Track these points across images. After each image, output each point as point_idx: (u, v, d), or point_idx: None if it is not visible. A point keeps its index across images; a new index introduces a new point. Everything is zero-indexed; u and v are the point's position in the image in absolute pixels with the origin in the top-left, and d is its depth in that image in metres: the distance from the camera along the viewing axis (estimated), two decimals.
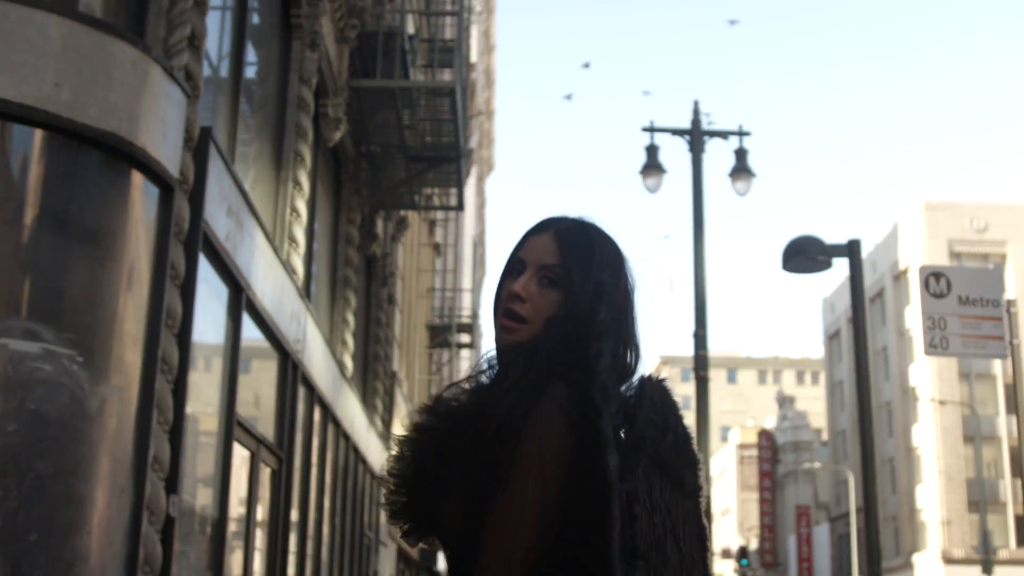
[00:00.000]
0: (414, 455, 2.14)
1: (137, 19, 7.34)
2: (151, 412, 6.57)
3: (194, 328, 7.38)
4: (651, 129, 19.32)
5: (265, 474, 10.50)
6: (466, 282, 38.52)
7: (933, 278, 8.68)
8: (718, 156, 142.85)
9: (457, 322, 28.32)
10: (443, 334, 28.29)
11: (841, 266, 11.95)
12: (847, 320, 62.41)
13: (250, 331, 9.65)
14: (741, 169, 19.14)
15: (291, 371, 11.24)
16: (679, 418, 2.18)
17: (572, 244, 2.19)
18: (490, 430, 2.02)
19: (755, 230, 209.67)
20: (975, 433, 55.12)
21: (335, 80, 13.41)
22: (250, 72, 11.10)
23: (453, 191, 20.38)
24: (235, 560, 9.49)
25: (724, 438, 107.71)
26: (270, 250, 9.94)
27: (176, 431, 7.03)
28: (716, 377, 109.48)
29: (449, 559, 2.11)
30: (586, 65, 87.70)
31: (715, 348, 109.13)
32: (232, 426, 8.78)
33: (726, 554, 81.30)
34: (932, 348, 8.48)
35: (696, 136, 18.65)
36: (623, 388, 2.15)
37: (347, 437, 15.25)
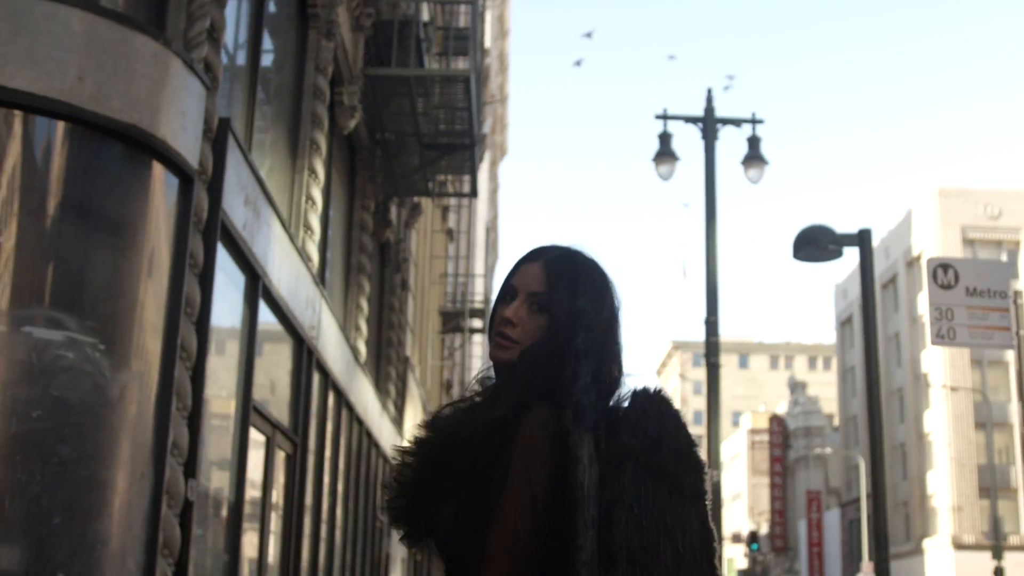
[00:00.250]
0: (413, 465, 2.33)
1: (158, 12, 7.46)
2: (170, 398, 6.70)
3: (212, 315, 7.52)
4: (664, 116, 19.38)
5: (280, 458, 10.64)
6: (479, 267, 38.61)
7: (941, 269, 8.76)
8: (731, 144, 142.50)
9: (470, 307, 28.45)
10: (455, 319, 28.43)
11: (854, 252, 12.00)
12: (859, 306, 62.49)
13: (266, 318, 9.78)
14: (754, 157, 19.19)
15: (306, 357, 11.37)
16: (680, 427, 2.31)
17: (558, 274, 2.38)
18: (483, 446, 2.21)
19: (768, 217, 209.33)
20: (986, 419, 55.11)
21: (350, 68, 13.52)
22: (267, 61, 11.21)
23: (466, 178, 20.48)
24: (250, 543, 9.63)
25: (735, 423, 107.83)
26: (286, 238, 10.07)
27: (194, 417, 7.17)
28: (728, 362, 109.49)
29: (444, 562, 2.29)
30: (588, 35, 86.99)
31: (727, 333, 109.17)
32: (248, 412, 8.92)
33: (736, 539, 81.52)
34: (939, 339, 8.57)
35: (709, 124, 18.70)
36: (612, 401, 2.33)
37: (360, 422, 15.40)
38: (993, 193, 60.23)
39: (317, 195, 11.83)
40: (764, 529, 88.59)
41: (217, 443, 8.53)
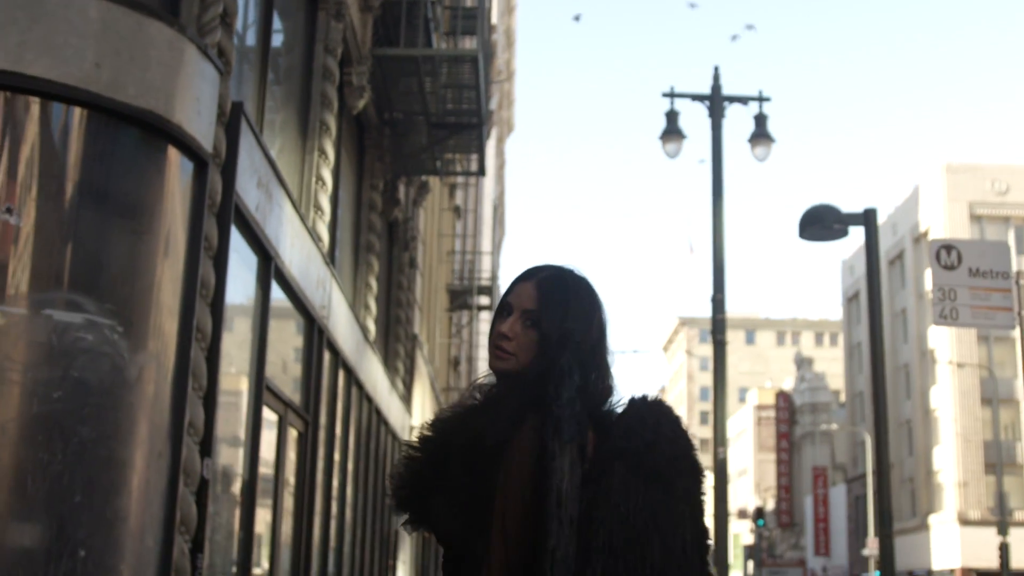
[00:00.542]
0: (417, 461, 2.60)
1: None
2: (187, 379, 6.83)
3: (226, 297, 7.65)
4: (671, 94, 19.45)
5: (292, 437, 10.79)
6: (486, 245, 38.71)
7: (944, 250, 8.88)
8: (738, 121, 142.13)
9: (477, 285, 28.57)
10: (463, 297, 28.56)
11: (860, 230, 12.09)
12: (866, 282, 62.49)
13: (278, 298, 9.91)
14: (761, 135, 19.28)
15: (317, 336, 11.51)
16: (677, 432, 2.54)
17: (549, 293, 2.62)
18: (483, 449, 2.45)
19: (775, 195, 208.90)
20: (992, 396, 55.23)
21: (359, 49, 13.60)
22: (276, 43, 11.29)
23: (474, 157, 20.57)
24: (263, 520, 9.79)
25: (742, 399, 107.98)
26: (297, 219, 10.18)
27: (210, 397, 7.31)
28: (734, 339, 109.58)
29: (444, 548, 2.55)
30: (576, 18, 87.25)
31: (734, 309, 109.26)
32: (262, 391, 9.06)
33: (743, 514, 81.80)
34: (942, 319, 8.69)
35: (716, 101, 18.78)
36: (606, 407, 2.58)
37: (370, 400, 15.55)
38: (1001, 169, 60.08)
39: (327, 175, 11.94)
40: (770, 505, 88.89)
41: (232, 422, 8.67)
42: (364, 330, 14.79)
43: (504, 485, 2.40)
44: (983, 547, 50.74)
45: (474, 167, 21.59)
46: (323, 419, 12.15)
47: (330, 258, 12.28)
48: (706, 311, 19.07)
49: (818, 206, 12.07)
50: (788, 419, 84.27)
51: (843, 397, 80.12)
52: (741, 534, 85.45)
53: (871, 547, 47.52)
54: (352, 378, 14.05)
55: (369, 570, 15.93)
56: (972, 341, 56.79)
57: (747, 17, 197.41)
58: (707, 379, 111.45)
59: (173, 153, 6.76)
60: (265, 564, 10.00)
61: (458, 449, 2.49)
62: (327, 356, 12.17)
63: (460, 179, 29.58)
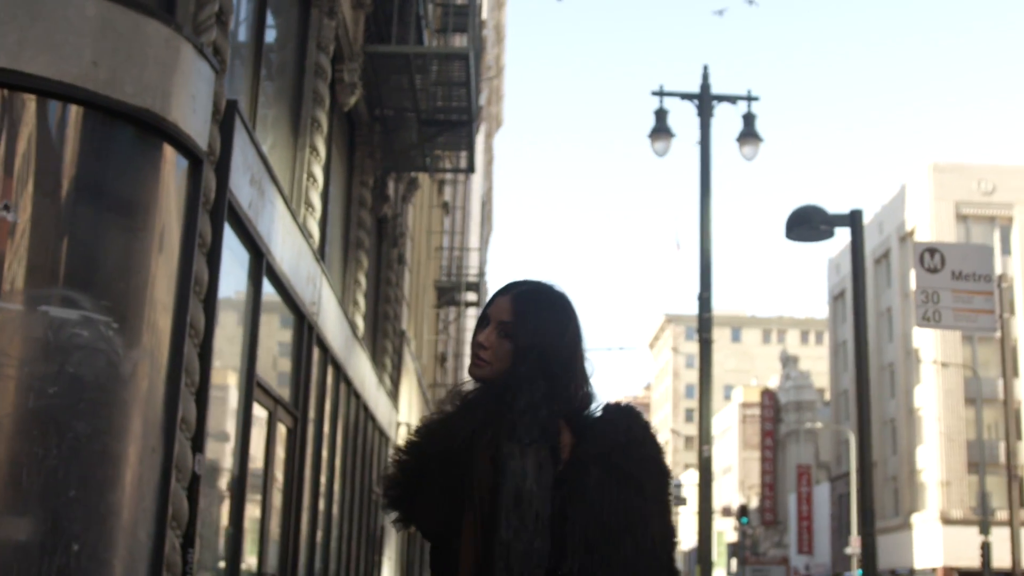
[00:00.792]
0: (404, 463, 2.80)
1: None
2: (180, 375, 6.89)
3: (219, 293, 7.71)
4: (660, 93, 19.55)
5: (281, 432, 10.85)
6: (474, 241, 38.75)
7: (928, 253, 8.98)
8: (726, 121, 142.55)
9: (465, 281, 28.62)
10: (450, 293, 28.61)
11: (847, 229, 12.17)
12: (851, 282, 62.62)
13: (269, 295, 9.97)
14: (749, 134, 19.38)
15: (306, 332, 11.56)
16: (647, 437, 2.73)
17: (522, 307, 2.80)
18: (455, 451, 2.65)
19: (762, 194, 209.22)
20: (976, 395, 55.43)
21: (351, 46, 13.64)
22: (269, 39, 11.34)
23: (464, 153, 20.62)
24: (253, 516, 9.85)
25: (727, 397, 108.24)
26: (288, 216, 10.24)
27: (202, 393, 7.38)
28: (720, 336, 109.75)
29: (428, 541, 2.74)
30: None
31: (720, 307, 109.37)
32: (252, 387, 9.12)
33: (727, 512, 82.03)
34: (925, 320, 8.80)
35: (705, 100, 18.88)
36: (585, 412, 2.76)
37: (358, 396, 15.60)
38: (987, 169, 60.30)
39: (318, 172, 11.99)
40: (754, 503, 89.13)
41: (222, 418, 8.74)
42: (353, 326, 14.85)
43: (471, 485, 2.59)
44: (965, 546, 50.97)
45: (463, 164, 21.64)
46: (312, 415, 12.21)
47: (320, 254, 12.34)
48: (692, 308, 19.18)
49: (805, 207, 12.15)
50: (773, 417, 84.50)
51: (828, 395, 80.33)
52: (725, 532, 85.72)
53: (854, 545, 47.72)
54: (341, 374, 14.11)
55: (355, 565, 16.01)
56: (956, 341, 57.00)
57: (737, 16, 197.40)
58: (693, 376, 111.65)
59: (169, 151, 6.81)
60: (253, 559, 10.06)
61: (436, 452, 2.70)
62: (316, 352, 12.23)
63: (449, 175, 29.63)
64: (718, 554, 77.96)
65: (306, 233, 11.23)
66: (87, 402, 6.11)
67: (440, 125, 17.38)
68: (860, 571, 35.66)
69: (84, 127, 6.42)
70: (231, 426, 8.97)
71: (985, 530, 38.02)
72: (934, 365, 55.69)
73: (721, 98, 19.17)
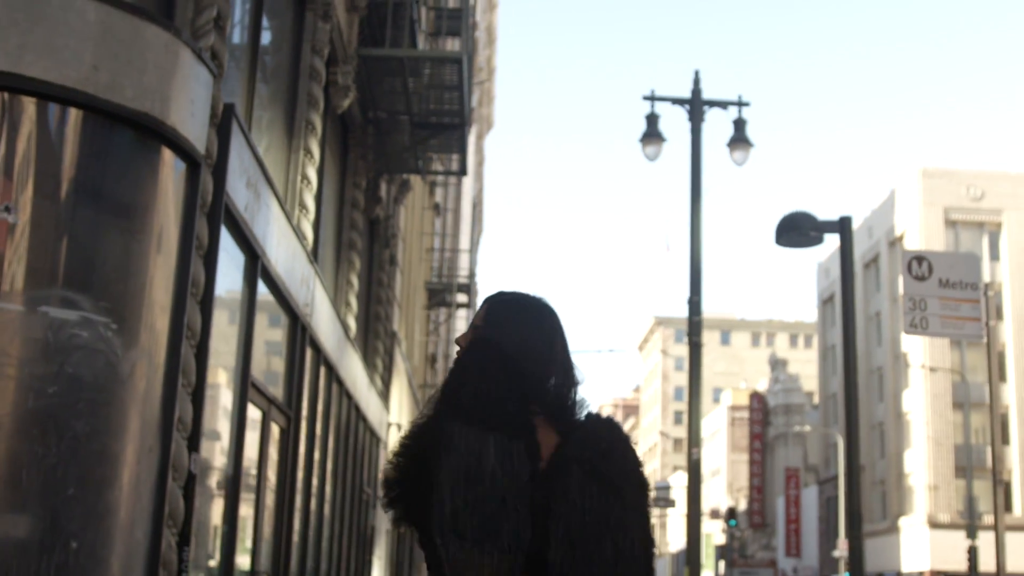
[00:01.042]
0: (397, 465, 2.92)
1: (167, 2, 7.69)
2: (177, 375, 6.97)
3: (215, 295, 7.80)
4: (652, 98, 19.65)
5: (275, 433, 10.92)
6: (464, 242, 38.83)
7: (915, 261, 9.09)
8: (717, 126, 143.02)
9: (456, 282, 28.70)
10: (441, 294, 28.70)
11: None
12: (841, 286, 62.71)
13: (264, 296, 10.05)
14: (739, 139, 19.50)
15: (300, 333, 11.64)
16: (627, 448, 2.85)
17: (494, 313, 2.98)
18: (431, 449, 2.77)
19: (753, 198, 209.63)
20: (964, 400, 55.69)
21: (345, 49, 13.73)
22: (265, 42, 11.42)
23: (455, 156, 20.71)
24: (247, 515, 9.93)
25: (716, 399, 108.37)
26: (283, 218, 10.32)
27: (198, 393, 7.46)
28: (710, 339, 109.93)
29: (417, 533, 2.86)
30: None
31: (709, 310, 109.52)
32: (247, 388, 9.20)
33: (715, 514, 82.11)
34: (912, 328, 8.92)
35: (696, 105, 18.98)
36: (570, 415, 2.89)
37: (350, 396, 15.68)
38: (976, 174, 60.56)
39: (312, 174, 12.07)
40: (742, 505, 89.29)
41: (218, 419, 8.82)
42: (345, 327, 14.93)
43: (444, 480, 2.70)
44: (952, 550, 51.17)
45: (455, 166, 21.73)
46: (305, 415, 12.29)
47: (313, 256, 12.42)
48: (682, 311, 19.34)
49: (794, 213, 12.25)
50: (761, 420, 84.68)
51: (816, 399, 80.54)
52: (713, 534, 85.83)
53: (841, 549, 47.86)
54: (333, 375, 14.19)
55: (346, 565, 16.09)
56: (945, 346, 57.24)
57: (728, 20, 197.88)
58: (682, 379, 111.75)
59: (167, 154, 6.89)
60: (246, 558, 10.14)
61: (417, 452, 2.82)
62: (309, 353, 12.31)
63: (440, 177, 29.73)
64: (706, 556, 78.09)
65: (300, 235, 11.31)
66: (86, 402, 6.18)
67: (432, 128, 17.47)
68: (847, 574, 35.80)
69: (84, 130, 6.49)
70: (226, 426, 9.05)
71: (972, 534, 38.20)
72: (922, 369, 55.90)
73: (712, 103, 19.29)
